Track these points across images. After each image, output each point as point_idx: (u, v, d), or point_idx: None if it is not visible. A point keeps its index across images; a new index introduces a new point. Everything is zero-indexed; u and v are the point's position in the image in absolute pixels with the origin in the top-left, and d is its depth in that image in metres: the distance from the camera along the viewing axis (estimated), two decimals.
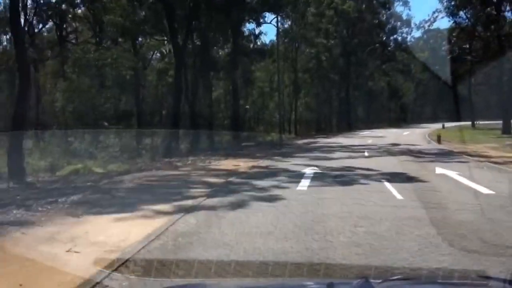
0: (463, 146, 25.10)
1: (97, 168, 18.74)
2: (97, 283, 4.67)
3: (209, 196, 10.02)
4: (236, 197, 9.75)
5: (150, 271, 4.88)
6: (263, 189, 10.88)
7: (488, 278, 2.98)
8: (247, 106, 54.97)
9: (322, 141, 33.05)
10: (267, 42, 51.69)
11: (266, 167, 16.20)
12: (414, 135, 38.48)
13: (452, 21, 42.72)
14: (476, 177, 12.20)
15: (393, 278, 2.96)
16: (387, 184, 11.37)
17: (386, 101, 72.03)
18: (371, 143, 28.10)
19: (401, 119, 73.57)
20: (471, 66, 42.06)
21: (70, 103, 27.58)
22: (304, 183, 11.68)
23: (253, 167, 16.12)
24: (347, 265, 5.11)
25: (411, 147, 24.35)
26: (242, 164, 16.91)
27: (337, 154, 20.90)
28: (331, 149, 24.45)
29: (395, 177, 12.61)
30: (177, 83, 28.69)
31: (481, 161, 17.24)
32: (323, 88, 55.49)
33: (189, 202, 9.26)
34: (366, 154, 20.79)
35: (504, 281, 2.63)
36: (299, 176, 13.14)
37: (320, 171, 14.32)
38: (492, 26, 39.74)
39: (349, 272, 4.86)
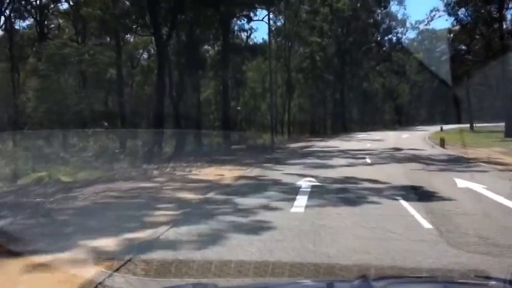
0: (471, 151, 22.80)
1: (64, 176, 16.24)
2: None
3: (175, 223, 7.51)
4: (210, 225, 7.26)
5: (150, 271, 4.74)
6: (247, 211, 8.40)
7: (488, 278, 2.81)
8: (239, 108, 52.76)
9: (318, 144, 30.60)
10: (259, 41, 49.40)
11: (255, 177, 13.69)
12: (414, 138, 36.16)
13: (453, 19, 40.52)
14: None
15: (393, 278, 2.98)
16: (404, 204, 8.95)
17: (380, 102, 69.71)
18: (371, 148, 25.72)
19: (396, 121, 71.36)
20: (472, 65, 39.81)
21: (44, 102, 25.03)
22: (300, 202, 9.22)
23: (240, 177, 13.62)
24: (347, 265, 4.98)
25: (416, 152, 21.96)
26: (227, 173, 14.42)
27: (335, 161, 18.46)
28: (328, 154, 22.01)
29: (411, 193, 10.20)
30: (160, 81, 26.24)
31: (501, 170, 14.89)
32: (317, 88, 53.20)
33: (145, 234, 6.74)
34: (368, 160, 18.36)
35: (504, 281, 2.52)
36: (294, 191, 10.69)
37: (319, 184, 11.88)
38: (495, 24, 37.69)
39: (349, 272, 4.70)
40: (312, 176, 13.11)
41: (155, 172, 15.62)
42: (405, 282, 2.80)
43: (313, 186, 11.35)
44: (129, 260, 5.29)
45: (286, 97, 47.60)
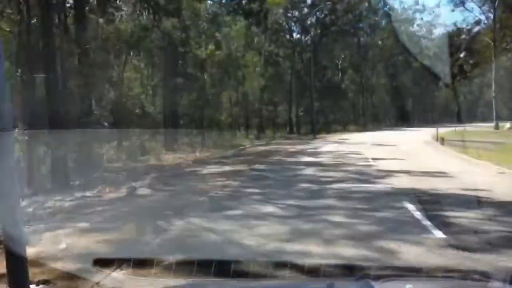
0: None
1: None
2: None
3: None
4: None
5: (150, 271, 4.32)
6: None
7: (488, 278, 2.79)
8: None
9: (287, 161, 17.69)
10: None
11: None
12: (427, 149, 24.17)
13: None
14: None
15: (393, 278, 2.79)
16: None
17: (351, 100, 58.05)
18: (408, 184, 12.62)
19: (368, 121, 60.05)
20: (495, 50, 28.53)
21: None
22: None
23: None
24: (347, 265, 4.65)
25: (502, 192, 9.46)
26: None
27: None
28: (325, 203, 8.78)
29: None
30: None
31: None
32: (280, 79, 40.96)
33: None
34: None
35: (504, 281, 2.48)
36: None
37: None
38: None
39: (349, 272, 4.28)
40: None
41: None
42: (405, 282, 2.67)
43: None
44: None
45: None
